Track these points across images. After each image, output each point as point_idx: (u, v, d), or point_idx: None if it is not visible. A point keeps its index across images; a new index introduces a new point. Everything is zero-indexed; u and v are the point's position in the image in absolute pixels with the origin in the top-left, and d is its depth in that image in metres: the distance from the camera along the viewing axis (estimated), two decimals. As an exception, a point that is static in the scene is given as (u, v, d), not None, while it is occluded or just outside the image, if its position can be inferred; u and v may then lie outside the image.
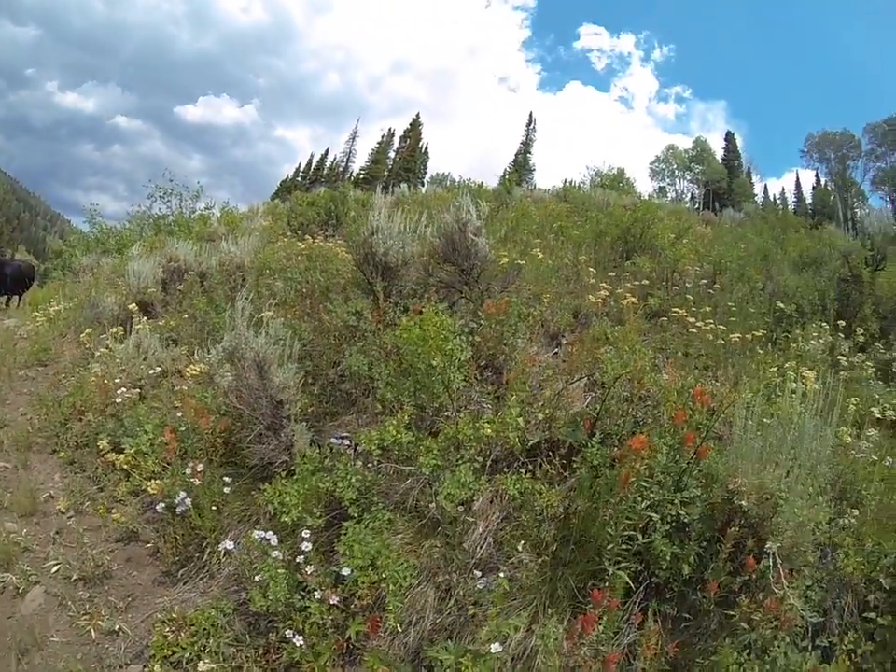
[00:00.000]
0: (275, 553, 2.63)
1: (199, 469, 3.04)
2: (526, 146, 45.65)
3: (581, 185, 17.86)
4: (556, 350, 4.73)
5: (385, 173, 59.00)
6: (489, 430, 2.95)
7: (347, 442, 3.27)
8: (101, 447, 3.89)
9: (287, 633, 2.52)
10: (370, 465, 3.11)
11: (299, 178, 64.68)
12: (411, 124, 61.98)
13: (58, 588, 3.24)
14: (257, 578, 2.62)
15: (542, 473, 3.18)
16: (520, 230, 7.88)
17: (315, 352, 4.11)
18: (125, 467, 3.81)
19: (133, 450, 3.80)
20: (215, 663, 2.62)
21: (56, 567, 3.40)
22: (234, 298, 5.49)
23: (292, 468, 3.07)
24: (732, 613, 2.31)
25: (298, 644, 2.48)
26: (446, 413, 3.38)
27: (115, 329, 5.29)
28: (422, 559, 2.92)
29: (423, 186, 30.64)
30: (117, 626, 2.94)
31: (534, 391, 3.79)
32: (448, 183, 17.71)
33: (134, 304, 5.81)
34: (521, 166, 42.37)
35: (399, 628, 2.66)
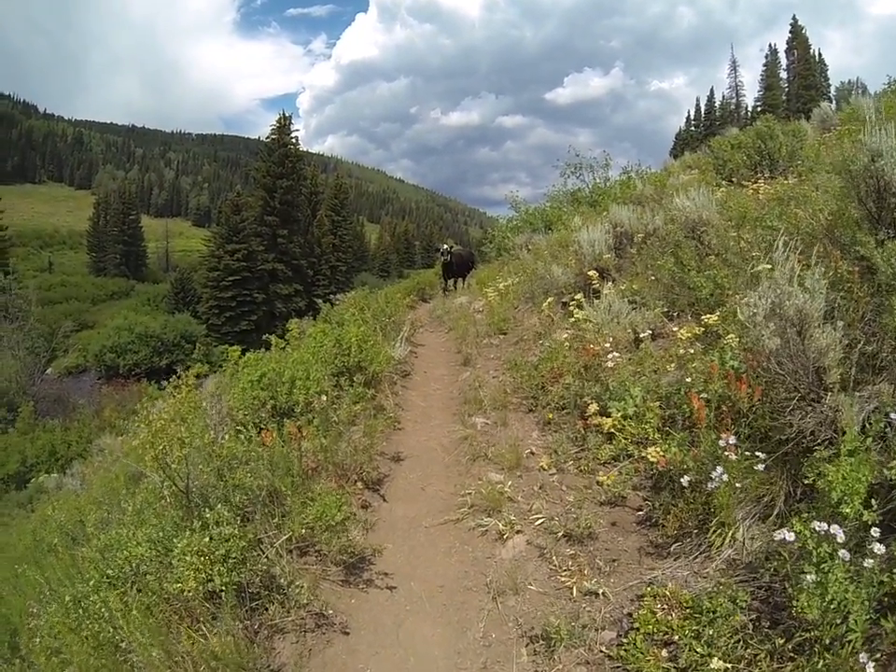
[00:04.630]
0: (842, 553, 2.23)
1: (731, 442, 2.87)
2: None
3: None
4: None
5: (784, 98, 51.93)
6: None
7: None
8: (589, 411, 4.18)
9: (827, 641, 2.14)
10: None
11: (692, 128, 62.20)
12: (791, 32, 53.49)
13: (540, 540, 3.62)
14: (809, 578, 2.26)
15: None
16: None
17: (831, 308, 3.50)
18: (612, 430, 3.97)
19: (619, 414, 3.94)
20: (718, 656, 2.45)
21: (540, 521, 3.80)
22: (702, 255, 5.37)
23: (835, 446, 2.61)
24: None
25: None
26: None
27: (578, 296, 5.75)
28: None
29: (831, 101, 25.45)
30: (600, 590, 3.07)
31: None
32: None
33: (594, 271, 6.21)
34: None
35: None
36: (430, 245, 57.15)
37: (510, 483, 4.25)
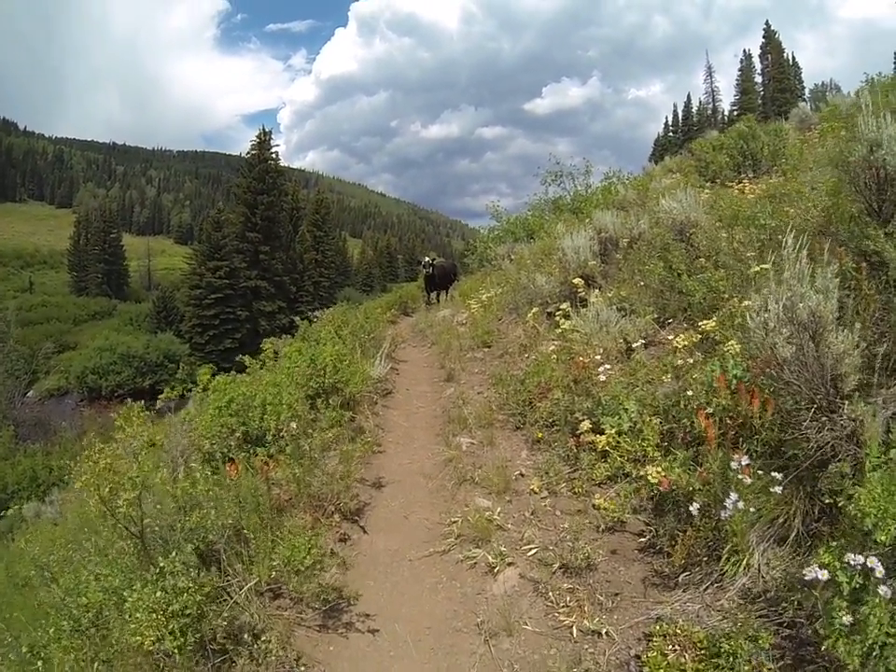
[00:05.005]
0: (883, 590, 1.95)
1: (745, 463, 2.56)
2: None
3: None
4: None
5: (759, 102, 53.06)
6: None
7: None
8: (581, 428, 3.89)
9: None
10: None
11: (671, 134, 63.30)
12: (764, 37, 55.14)
13: (534, 573, 3.28)
14: (846, 619, 1.97)
15: None
16: None
17: (841, 308, 3.26)
18: (607, 448, 3.68)
19: (613, 430, 3.64)
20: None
21: (533, 551, 3.47)
22: (692, 258, 5.13)
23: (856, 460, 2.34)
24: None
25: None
26: None
27: (564, 306, 5.47)
28: None
29: (806, 102, 26.38)
30: (603, 629, 2.75)
31: None
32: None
33: (579, 279, 5.94)
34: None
35: None
36: (413, 259, 57.16)
37: (498, 509, 3.93)
